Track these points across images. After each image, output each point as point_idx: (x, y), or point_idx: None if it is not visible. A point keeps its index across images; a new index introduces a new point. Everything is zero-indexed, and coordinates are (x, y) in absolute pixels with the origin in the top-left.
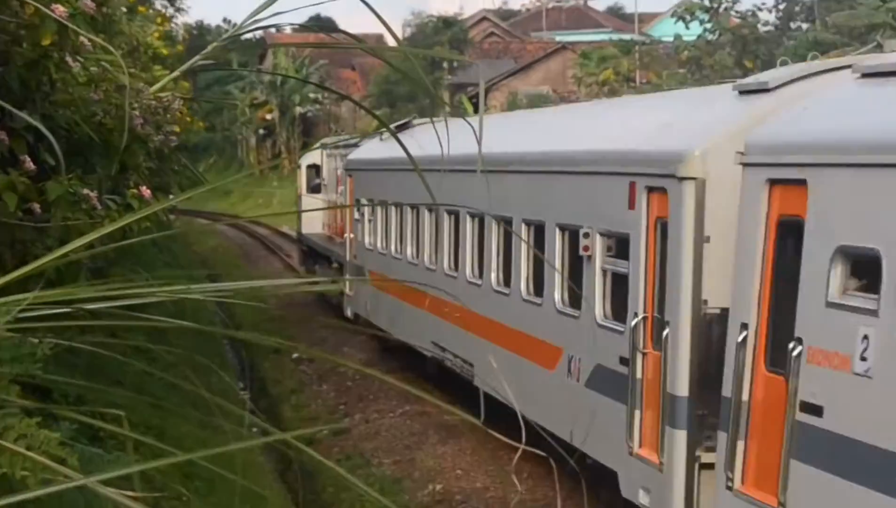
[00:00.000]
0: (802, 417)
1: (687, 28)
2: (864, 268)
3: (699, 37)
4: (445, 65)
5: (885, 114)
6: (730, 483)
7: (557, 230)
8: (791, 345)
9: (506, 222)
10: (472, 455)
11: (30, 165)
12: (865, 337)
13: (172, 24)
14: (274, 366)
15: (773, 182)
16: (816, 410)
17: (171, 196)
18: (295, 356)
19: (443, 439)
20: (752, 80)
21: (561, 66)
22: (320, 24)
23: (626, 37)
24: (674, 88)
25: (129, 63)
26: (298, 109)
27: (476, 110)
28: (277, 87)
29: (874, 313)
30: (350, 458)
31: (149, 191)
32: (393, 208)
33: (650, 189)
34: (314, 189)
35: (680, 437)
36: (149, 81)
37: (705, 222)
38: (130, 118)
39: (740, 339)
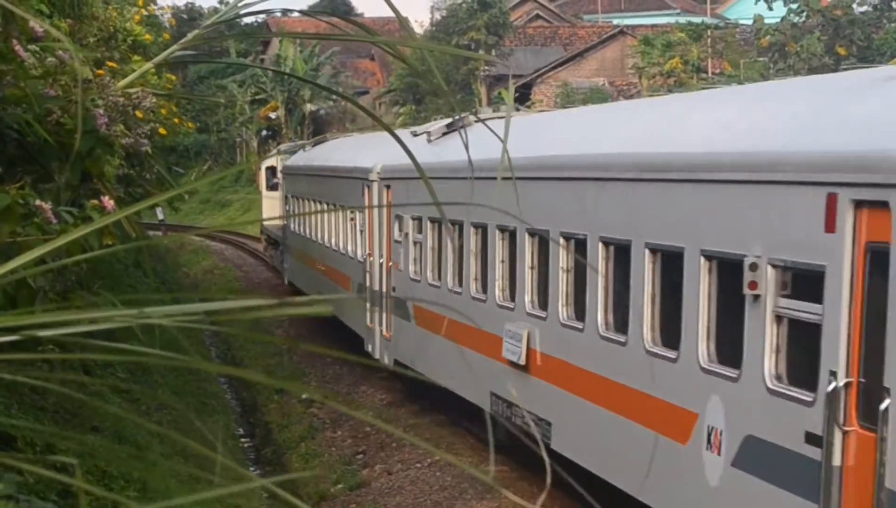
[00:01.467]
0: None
1: (770, 9)
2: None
3: (783, 19)
4: (481, 53)
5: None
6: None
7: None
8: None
9: (328, 205)
10: None
11: None
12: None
13: (156, 8)
14: (280, 408)
15: (386, 186)
16: (394, 290)
17: (157, 208)
18: (304, 396)
19: (479, 494)
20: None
21: (618, 53)
22: (333, 9)
23: (696, 19)
24: (752, 79)
25: (104, 52)
26: (308, 107)
27: (518, 106)
28: (284, 80)
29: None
30: None
31: (112, 202)
32: (302, 201)
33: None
34: (272, 187)
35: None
36: (125, 74)
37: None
38: (93, 118)
39: None
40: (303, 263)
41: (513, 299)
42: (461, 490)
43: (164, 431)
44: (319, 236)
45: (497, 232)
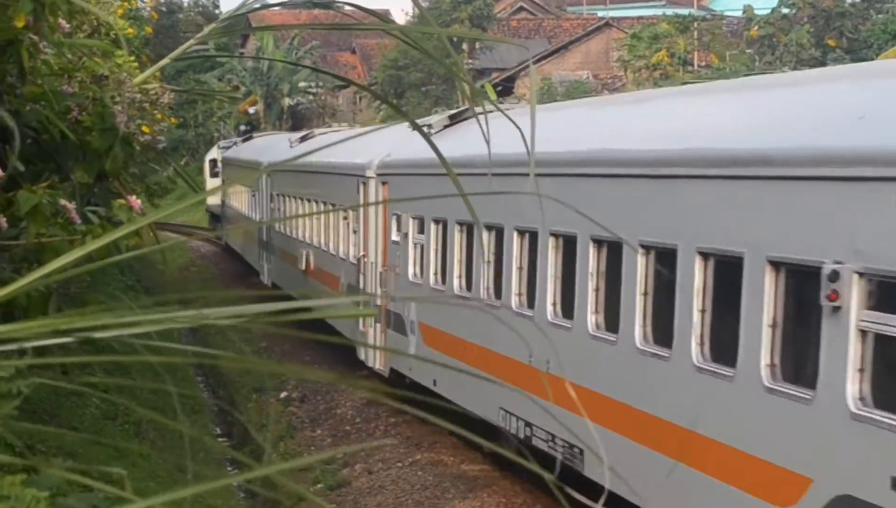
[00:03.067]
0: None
1: None
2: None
3: (773, 11)
4: (465, 46)
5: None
6: None
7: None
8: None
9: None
10: None
11: None
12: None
13: (139, 1)
14: (258, 408)
15: (268, 174)
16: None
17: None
18: (283, 395)
19: (461, 493)
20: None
21: (604, 46)
22: (314, 3)
23: (683, 11)
24: (738, 72)
25: (91, 50)
26: (287, 101)
27: (499, 98)
28: (262, 74)
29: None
30: None
31: (139, 202)
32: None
33: None
34: (214, 175)
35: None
36: (108, 70)
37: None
38: (112, 115)
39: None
40: (232, 226)
41: (303, 236)
42: (443, 489)
43: (156, 416)
44: (240, 206)
45: (297, 201)
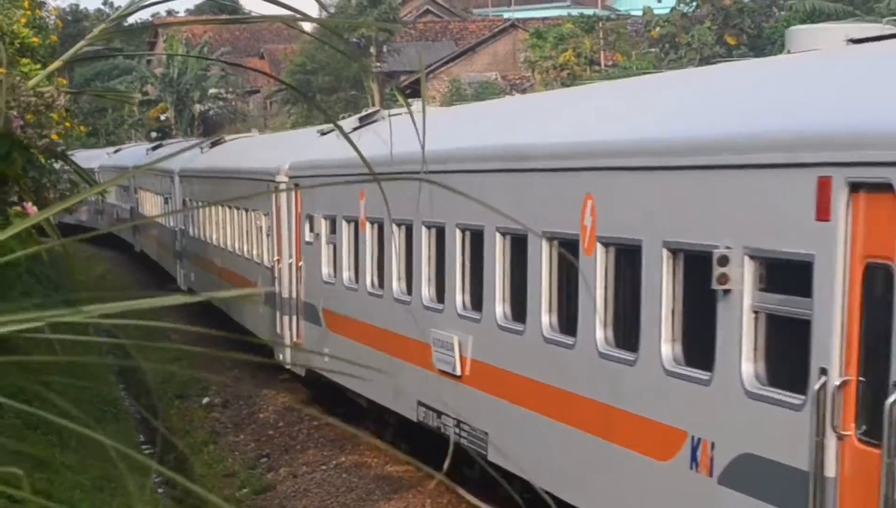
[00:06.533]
0: None
1: (658, 1)
2: None
3: (673, 10)
4: (373, 50)
5: None
6: None
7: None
8: None
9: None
10: None
11: None
12: None
13: (43, 10)
14: (181, 414)
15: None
16: None
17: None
18: (205, 401)
19: (386, 494)
20: None
21: (510, 47)
22: (221, 7)
23: (588, 11)
24: (645, 70)
25: None
26: (198, 108)
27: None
28: (173, 81)
29: None
30: None
31: (35, 208)
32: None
33: None
34: None
35: None
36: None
37: None
38: (8, 120)
39: None
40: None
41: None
42: (368, 491)
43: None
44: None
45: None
